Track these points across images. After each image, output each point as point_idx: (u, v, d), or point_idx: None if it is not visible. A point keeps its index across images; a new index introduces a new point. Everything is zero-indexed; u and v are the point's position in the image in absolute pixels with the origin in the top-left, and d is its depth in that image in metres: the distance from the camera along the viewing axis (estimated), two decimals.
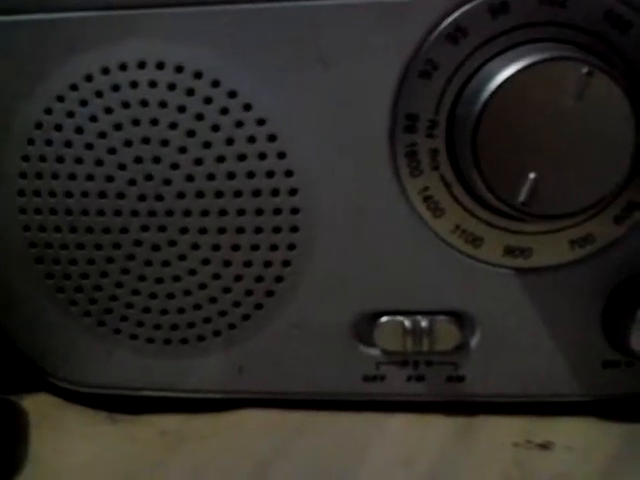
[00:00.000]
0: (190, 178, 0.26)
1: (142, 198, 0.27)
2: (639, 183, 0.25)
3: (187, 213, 0.27)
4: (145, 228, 0.27)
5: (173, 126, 0.26)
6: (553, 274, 0.27)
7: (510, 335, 0.28)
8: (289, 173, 0.26)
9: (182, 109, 0.26)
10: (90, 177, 0.27)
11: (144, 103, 0.26)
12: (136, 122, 0.26)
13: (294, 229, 0.27)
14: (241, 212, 0.27)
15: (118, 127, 0.26)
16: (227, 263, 0.27)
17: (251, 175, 0.26)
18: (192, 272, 0.28)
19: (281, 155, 0.26)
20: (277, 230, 0.27)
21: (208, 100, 0.26)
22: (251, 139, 0.26)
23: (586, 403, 0.29)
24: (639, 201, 0.26)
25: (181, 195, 0.27)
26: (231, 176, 0.26)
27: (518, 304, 0.28)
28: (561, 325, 0.28)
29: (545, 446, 0.28)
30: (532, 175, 0.24)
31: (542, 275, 0.27)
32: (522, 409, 0.29)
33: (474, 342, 0.28)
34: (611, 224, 0.26)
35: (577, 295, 0.27)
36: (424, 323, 0.28)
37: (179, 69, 0.26)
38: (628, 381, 0.28)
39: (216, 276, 0.28)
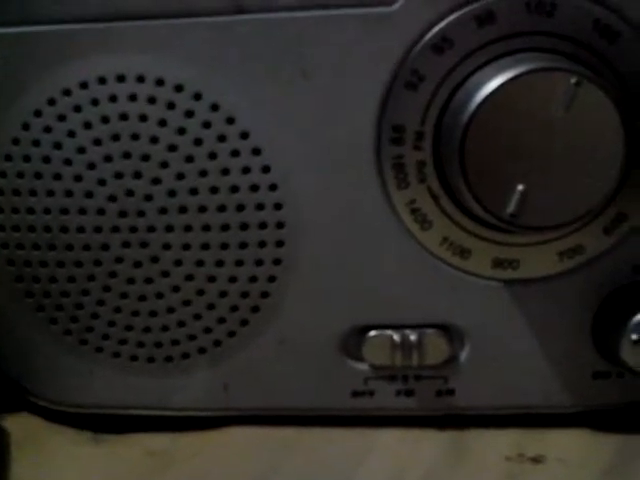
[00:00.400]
0: (172, 193, 0.26)
1: (123, 214, 0.26)
2: (628, 194, 0.25)
3: (170, 229, 0.26)
4: (126, 245, 0.27)
5: (154, 140, 0.26)
6: (542, 286, 0.27)
7: (500, 347, 0.28)
8: (273, 187, 0.26)
9: (163, 123, 0.25)
10: (69, 193, 0.26)
11: (124, 117, 0.25)
12: (116, 137, 0.26)
13: (279, 244, 0.27)
14: (225, 227, 0.26)
15: (97, 142, 0.26)
16: (211, 279, 0.27)
17: (235, 189, 0.26)
18: (175, 289, 0.27)
19: (265, 169, 0.26)
20: (262, 245, 0.27)
21: (190, 113, 0.25)
22: (235, 153, 0.26)
23: (577, 415, 0.29)
24: (628, 212, 0.26)
25: (163, 211, 0.26)
26: (214, 190, 0.26)
27: (507, 316, 0.27)
28: (551, 336, 0.28)
29: (537, 459, 0.28)
30: (520, 186, 0.23)
31: (531, 287, 0.27)
32: (513, 422, 0.29)
33: (463, 355, 0.28)
34: (600, 235, 0.26)
35: (567, 306, 0.27)
36: (413, 337, 0.28)
37: (159, 82, 0.25)
38: (619, 392, 0.28)
39: (200, 292, 0.27)
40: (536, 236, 0.26)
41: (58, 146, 0.26)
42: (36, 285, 0.28)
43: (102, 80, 0.25)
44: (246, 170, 0.26)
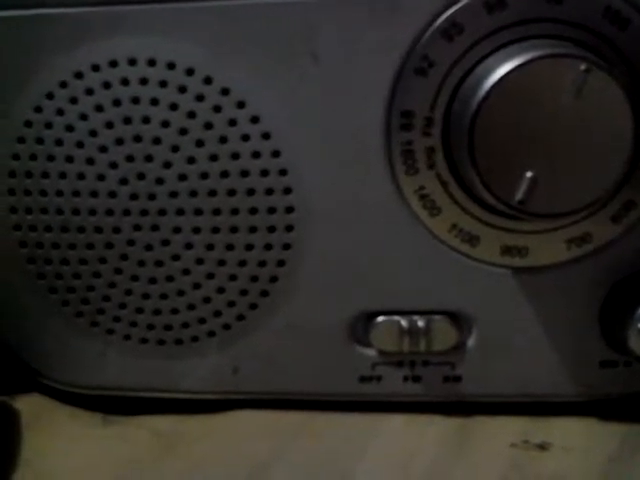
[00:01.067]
0: (183, 177, 0.26)
1: (134, 197, 0.26)
2: (637, 182, 0.25)
3: (180, 212, 0.27)
4: (137, 227, 0.27)
5: (165, 124, 0.26)
6: (550, 273, 0.27)
7: (507, 335, 0.28)
8: (283, 172, 0.26)
9: (174, 107, 0.25)
10: (81, 176, 0.26)
11: (135, 101, 0.26)
12: (127, 120, 0.26)
13: (289, 228, 0.27)
14: (235, 211, 0.26)
15: (109, 125, 0.26)
16: (221, 262, 0.27)
17: (245, 174, 0.26)
18: (186, 272, 0.27)
19: (275, 153, 0.26)
20: (272, 229, 0.27)
21: (200, 97, 0.25)
22: (245, 137, 0.26)
23: (584, 403, 0.29)
24: (637, 200, 0.26)
25: (174, 194, 0.26)
26: (225, 175, 0.26)
27: (515, 303, 0.27)
28: (558, 324, 0.28)
29: (543, 447, 0.28)
30: (529, 174, 0.23)
31: (539, 274, 0.27)
32: (519, 409, 0.29)
33: (471, 342, 0.28)
34: (608, 223, 0.26)
35: (574, 294, 0.27)
36: (421, 323, 0.28)
37: (171, 66, 0.25)
38: (626, 381, 0.28)
39: (210, 276, 0.27)
40: (544, 223, 0.26)
41: (70, 129, 0.26)
42: (48, 267, 0.28)
43: (113, 63, 0.25)
44: (256, 154, 0.26)
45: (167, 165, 0.26)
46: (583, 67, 0.22)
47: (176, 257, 0.27)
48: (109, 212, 0.27)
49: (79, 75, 0.26)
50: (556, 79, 0.23)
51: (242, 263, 0.27)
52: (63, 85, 0.26)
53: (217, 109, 0.25)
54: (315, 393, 0.29)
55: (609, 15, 0.24)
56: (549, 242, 0.26)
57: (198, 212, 0.26)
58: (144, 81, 0.25)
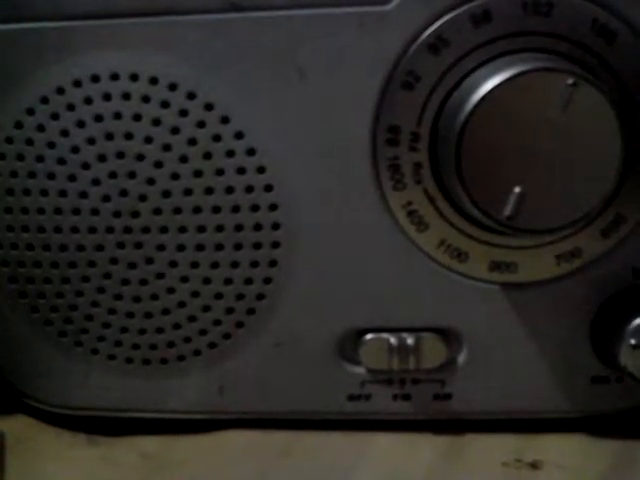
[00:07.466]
0: (167, 194, 0.26)
1: (117, 214, 0.26)
2: (627, 196, 0.25)
3: (164, 230, 0.26)
4: (121, 245, 0.27)
5: (148, 140, 0.25)
6: (540, 289, 0.27)
7: (497, 351, 0.28)
8: (269, 188, 0.26)
9: (157, 122, 0.25)
10: (63, 193, 0.26)
11: (117, 116, 0.25)
12: (109, 136, 0.25)
13: (275, 245, 0.26)
14: (220, 228, 0.26)
15: (91, 141, 0.26)
16: (206, 281, 0.27)
17: (230, 190, 0.26)
18: (170, 290, 0.27)
19: (260, 169, 0.26)
20: (257, 246, 0.26)
21: (184, 113, 0.25)
22: (229, 153, 0.26)
23: (576, 420, 0.28)
24: (627, 214, 0.26)
25: (157, 211, 0.26)
26: (209, 191, 0.26)
27: (505, 320, 0.27)
28: (549, 341, 0.27)
29: (535, 465, 0.27)
30: (517, 189, 0.23)
31: (529, 290, 0.27)
32: (511, 427, 0.29)
33: (461, 359, 0.28)
34: (598, 238, 0.26)
35: (565, 310, 0.27)
36: (410, 340, 0.27)
37: (153, 81, 0.25)
38: (618, 397, 0.28)
39: (195, 294, 0.27)
40: (533, 239, 0.26)
41: (52, 145, 0.26)
42: (30, 286, 0.28)
43: (96, 78, 0.25)
44: (241, 170, 0.26)
45: (150, 182, 0.26)
46: (570, 81, 0.22)
47: (160, 275, 0.27)
48: (92, 230, 0.26)
49: (60, 90, 0.25)
50: (543, 93, 0.23)
51: (228, 281, 0.27)
52: (44, 101, 0.26)
53: (201, 124, 0.25)
54: (303, 412, 0.29)
55: (596, 28, 0.24)
56: (538, 258, 0.26)
57: (182, 229, 0.26)
58: (126, 96, 0.25)
